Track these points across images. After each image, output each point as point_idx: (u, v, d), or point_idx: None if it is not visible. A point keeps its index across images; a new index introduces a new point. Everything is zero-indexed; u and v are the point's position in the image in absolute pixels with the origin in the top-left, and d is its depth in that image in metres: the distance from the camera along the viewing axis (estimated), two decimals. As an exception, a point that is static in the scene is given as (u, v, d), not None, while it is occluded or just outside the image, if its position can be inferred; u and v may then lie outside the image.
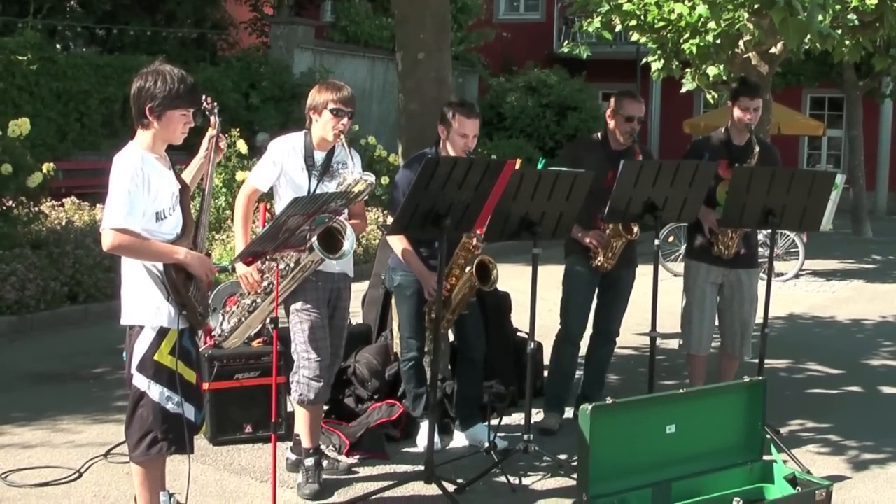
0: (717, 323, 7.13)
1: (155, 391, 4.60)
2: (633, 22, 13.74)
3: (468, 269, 6.16)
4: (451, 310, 6.25)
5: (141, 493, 4.77)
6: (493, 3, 29.35)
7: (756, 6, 11.04)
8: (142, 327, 4.61)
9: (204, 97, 4.98)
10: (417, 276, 6.22)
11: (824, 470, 6.26)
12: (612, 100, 6.78)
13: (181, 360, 4.62)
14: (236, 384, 6.52)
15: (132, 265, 4.62)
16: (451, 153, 6.16)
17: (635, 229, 6.64)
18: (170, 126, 4.59)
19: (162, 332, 4.59)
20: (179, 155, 5.09)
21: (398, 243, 6.26)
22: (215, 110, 5.03)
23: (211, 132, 4.95)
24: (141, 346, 4.61)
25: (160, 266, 4.53)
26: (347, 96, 5.65)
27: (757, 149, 6.80)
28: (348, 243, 5.40)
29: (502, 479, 5.89)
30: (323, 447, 6.06)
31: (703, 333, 6.98)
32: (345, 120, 5.62)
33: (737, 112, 6.83)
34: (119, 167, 4.50)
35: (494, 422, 6.39)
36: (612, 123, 6.73)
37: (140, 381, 4.62)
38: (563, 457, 6.25)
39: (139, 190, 4.46)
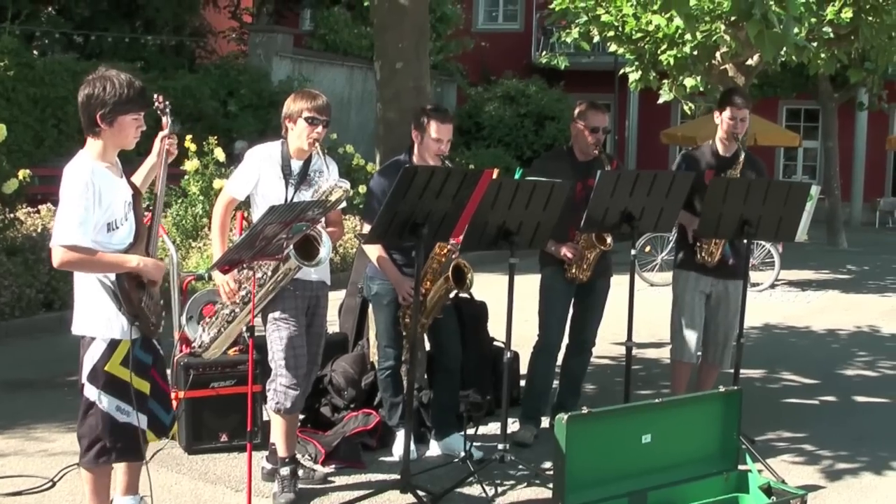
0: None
1: (105, 401, 4.60)
2: (611, 33, 13.85)
3: (444, 274, 6.16)
4: (426, 313, 6.25)
5: (91, 499, 4.80)
6: (471, 12, 29.45)
7: (733, 18, 11.14)
8: (93, 338, 4.60)
9: (155, 96, 4.91)
10: (392, 282, 6.22)
11: (799, 479, 6.28)
12: (576, 111, 6.81)
13: (134, 371, 4.59)
14: (212, 393, 6.50)
15: (84, 275, 4.60)
16: (426, 158, 6.18)
17: (608, 240, 6.65)
18: (122, 131, 4.55)
19: (113, 344, 4.58)
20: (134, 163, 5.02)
21: (373, 250, 6.26)
22: (167, 110, 4.95)
23: (162, 133, 4.86)
24: (91, 357, 4.60)
25: (112, 277, 4.51)
26: (322, 105, 5.66)
27: (742, 157, 6.82)
28: (324, 250, 5.39)
29: (478, 488, 5.88)
30: (299, 456, 6.05)
31: (693, 342, 6.98)
32: (320, 128, 5.61)
33: (724, 121, 6.85)
34: (69, 181, 4.46)
35: (471, 431, 6.39)
36: (576, 134, 6.75)
37: (90, 392, 4.62)
38: (539, 466, 6.25)
39: (90, 204, 4.42)
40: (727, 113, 6.83)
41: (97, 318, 4.58)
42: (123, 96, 4.50)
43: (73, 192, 4.42)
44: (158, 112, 4.93)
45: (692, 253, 6.87)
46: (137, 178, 4.93)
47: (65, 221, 4.41)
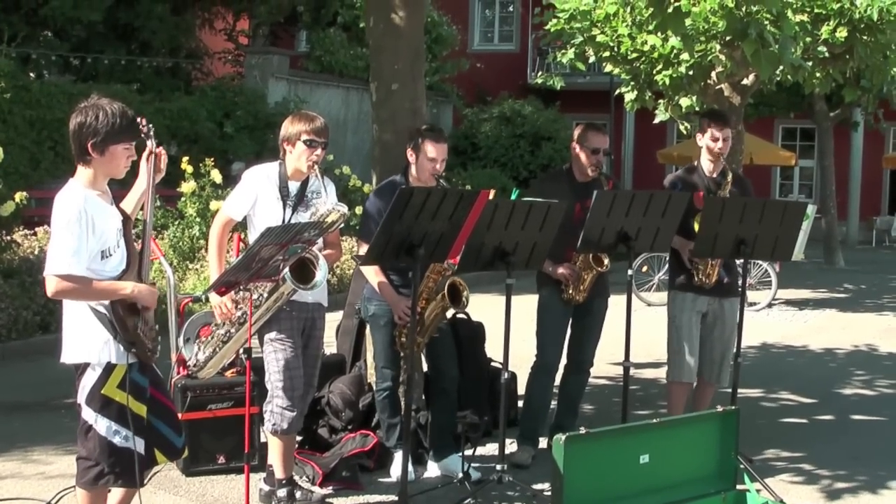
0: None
1: (102, 425, 4.56)
2: (607, 53, 13.88)
3: (439, 293, 6.16)
4: (422, 332, 6.24)
5: None
6: (467, 33, 29.51)
7: (728, 38, 11.17)
8: (88, 364, 4.55)
9: (138, 119, 4.76)
10: (388, 302, 6.22)
11: (798, 499, 6.27)
12: (577, 132, 6.82)
13: (131, 395, 4.55)
14: (209, 415, 6.48)
15: (74, 302, 4.55)
16: (421, 178, 6.20)
17: (605, 261, 6.66)
18: (113, 161, 4.51)
19: (109, 367, 4.54)
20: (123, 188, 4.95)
21: (370, 271, 6.27)
22: (151, 133, 4.82)
23: (146, 153, 4.76)
24: (88, 381, 4.56)
25: (106, 304, 4.47)
26: (320, 127, 5.67)
27: (730, 177, 6.85)
28: (321, 274, 5.39)
29: (476, 509, 5.88)
30: (296, 478, 6.03)
31: (691, 363, 6.94)
32: (318, 150, 5.62)
33: (707, 142, 6.87)
34: (62, 209, 4.42)
35: (468, 452, 6.38)
36: (577, 155, 6.77)
37: (88, 414, 4.58)
38: (537, 487, 6.24)
39: (84, 233, 4.38)
40: (708, 134, 6.86)
41: (91, 343, 4.53)
42: (115, 126, 4.47)
43: (66, 221, 4.39)
44: (143, 136, 4.80)
45: (688, 275, 6.86)
46: (128, 202, 4.86)
47: (58, 250, 4.38)
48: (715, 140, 6.83)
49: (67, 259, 4.35)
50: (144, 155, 4.78)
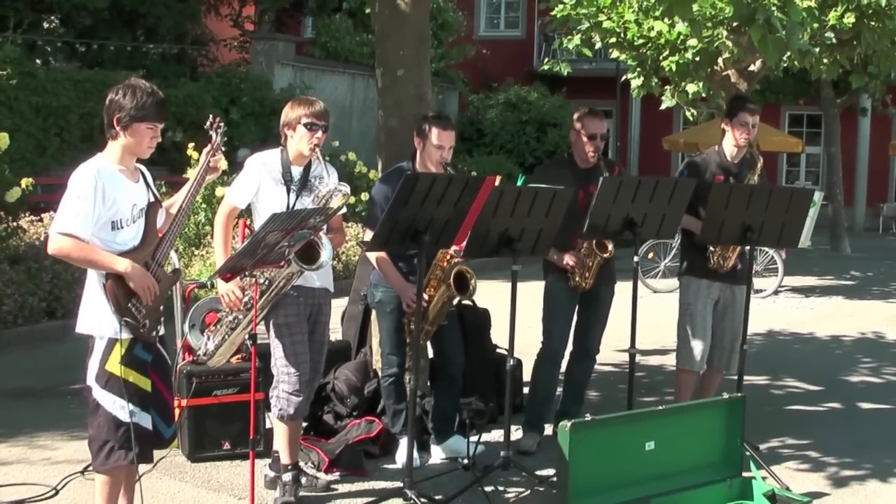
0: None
1: (107, 400, 4.66)
2: (613, 39, 13.85)
3: (446, 280, 6.15)
4: (429, 321, 6.23)
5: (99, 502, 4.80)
6: (473, 19, 29.47)
7: (735, 24, 11.14)
8: (93, 338, 4.68)
9: (211, 117, 5.14)
10: (396, 290, 6.21)
11: (804, 486, 6.26)
12: (575, 118, 6.80)
13: (132, 369, 4.67)
14: (215, 400, 6.49)
15: (93, 275, 4.69)
16: (428, 165, 6.19)
17: (609, 247, 6.64)
18: (136, 138, 4.69)
19: (111, 342, 4.65)
20: (160, 171, 5.09)
21: (378, 258, 6.26)
22: (220, 129, 5.11)
23: (208, 148, 5.01)
24: (95, 357, 4.68)
25: (104, 274, 4.61)
26: (320, 110, 5.68)
27: (761, 162, 6.82)
28: (325, 254, 5.38)
29: (481, 495, 5.87)
30: (301, 464, 6.04)
31: (701, 351, 6.91)
32: (319, 133, 5.63)
33: (736, 128, 6.81)
34: (75, 177, 4.61)
35: (473, 438, 6.38)
36: (575, 141, 6.75)
37: (96, 391, 4.69)
38: (542, 473, 6.23)
39: (91, 198, 4.55)
40: (741, 119, 6.78)
41: (96, 316, 4.66)
42: (139, 104, 4.66)
43: (76, 187, 4.57)
44: (211, 131, 5.09)
45: (703, 259, 6.82)
46: (182, 192, 5.01)
47: (65, 211, 4.56)
48: (745, 125, 6.78)
49: (72, 220, 4.54)
50: (206, 149, 5.03)
